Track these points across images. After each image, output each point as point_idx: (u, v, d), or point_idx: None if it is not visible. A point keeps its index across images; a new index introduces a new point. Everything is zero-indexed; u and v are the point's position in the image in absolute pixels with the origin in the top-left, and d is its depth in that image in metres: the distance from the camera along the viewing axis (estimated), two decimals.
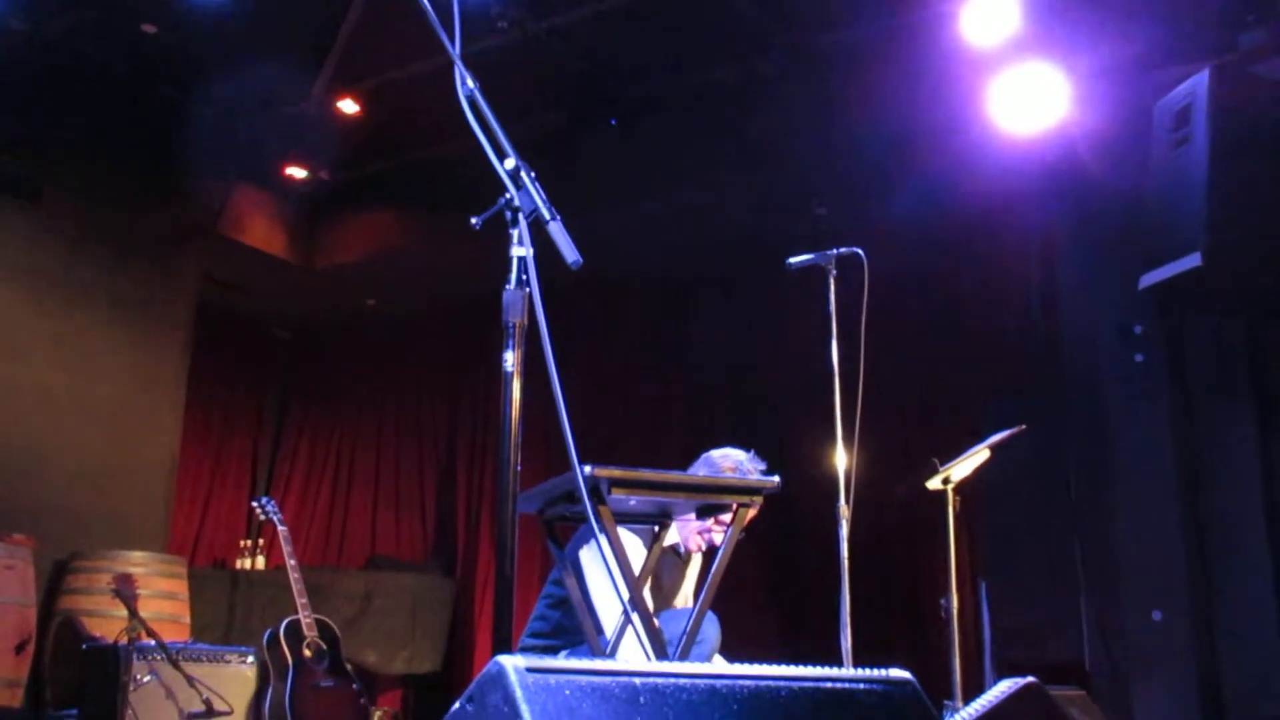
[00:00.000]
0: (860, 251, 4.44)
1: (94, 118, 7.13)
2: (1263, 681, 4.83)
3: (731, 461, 3.93)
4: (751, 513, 3.07)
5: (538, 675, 1.46)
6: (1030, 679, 2.71)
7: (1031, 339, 6.44)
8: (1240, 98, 4.57)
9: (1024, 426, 4.70)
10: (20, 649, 5.67)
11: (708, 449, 4.04)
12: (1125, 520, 5.25)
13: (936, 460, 4.59)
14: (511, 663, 1.46)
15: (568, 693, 1.47)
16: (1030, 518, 5.71)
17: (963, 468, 4.56)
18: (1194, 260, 4.45)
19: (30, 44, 6.54)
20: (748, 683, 1.66)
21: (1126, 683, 5.10)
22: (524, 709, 1.42)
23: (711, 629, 3.70)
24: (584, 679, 1.50)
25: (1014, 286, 6.69)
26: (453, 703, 1.58)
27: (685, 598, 4.08)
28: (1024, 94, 5.60)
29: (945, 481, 4.55)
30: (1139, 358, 5.27)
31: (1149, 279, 4.74)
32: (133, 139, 7.21)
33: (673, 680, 1.58)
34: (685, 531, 3.90)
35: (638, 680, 1.54)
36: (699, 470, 3.95)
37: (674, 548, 3.96)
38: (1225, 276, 4.57)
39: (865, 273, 4.41)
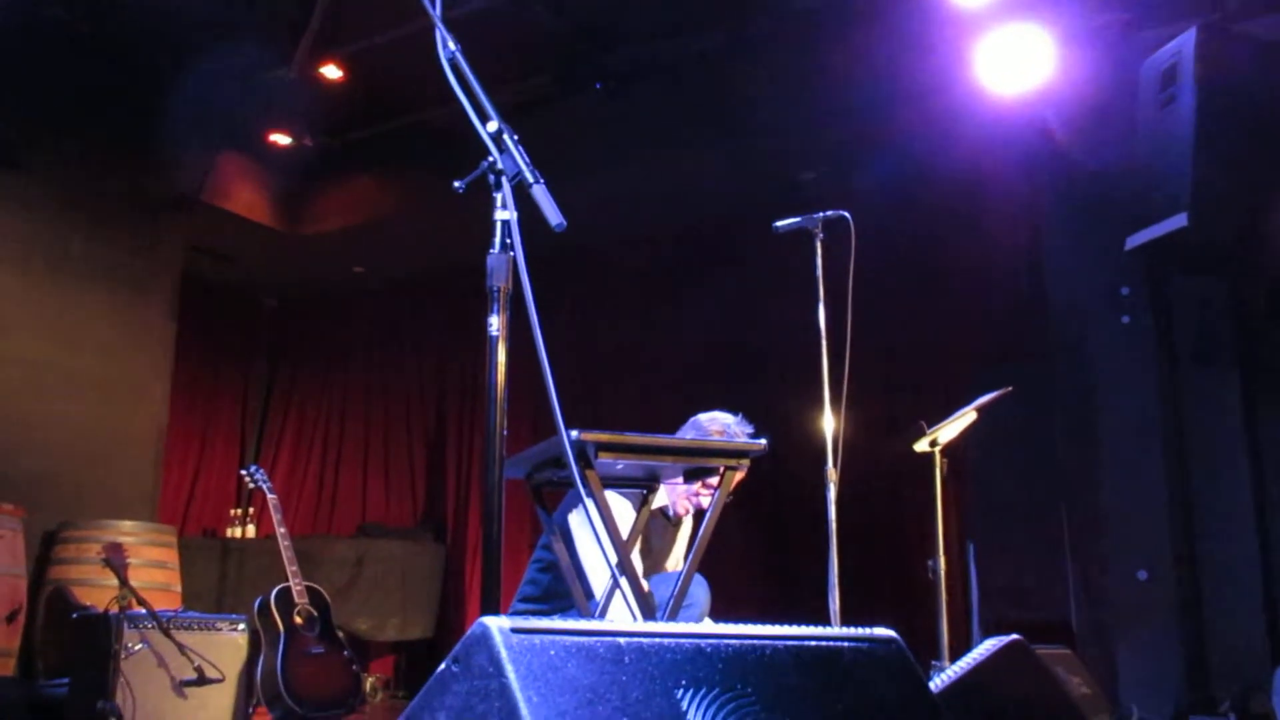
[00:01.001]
0: (847, 215, 4.43)
1: (75, 86, 7.06)
2: (1246, 639, 4.88)
3: (719, 425, 3.94)
4: (739, 475, 3.07)
5: (522, 636, 1.47)
6: (1015, 636, 2.73)
7: (1018, 301, 6.45)
8: (1227, 57, 4.56)
9: (1010, 388, 4.71)
10: (11, 619, 5.68)
11: (696, 413, 4.05)
12: (1111, 481, 5.29)
13: (924, 423, 4.60)
14: (496, 623, 1.47)
15: (553, 653, 1.48)
16: (1017, 479, 5.74)
17: (950, 430, 4.57)
18: (1180, 221, 4.45)
19: (8, 11, 6.46)
20: (732, 642, 1.67)
21: (1112, 641, 5.15)
22: (509, 669, 1.42)
23: (701, 591, 3.71)
24: (569, 639, 1.51)
25: (1001, 248, 6.69)
26: None
27: (676, 561, 4.09)
28: (1010, 55, 5.57)
29: (933, 444, 4.56)
30: (1125, 319, 5.29)
31: (1135, 240, 4.75)
32: (115, 107, 7.14)
33: (657, 640, 1.59)
34: (673, 495, 3.91)
35: (622, 640, 1.55)
36: (687, 434, 3.96)
37: (663, 511, 3.98)
38: (1211, 237, 4.57)
39: (852, 236, 4.40)
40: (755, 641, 1.70)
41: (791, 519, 7.28)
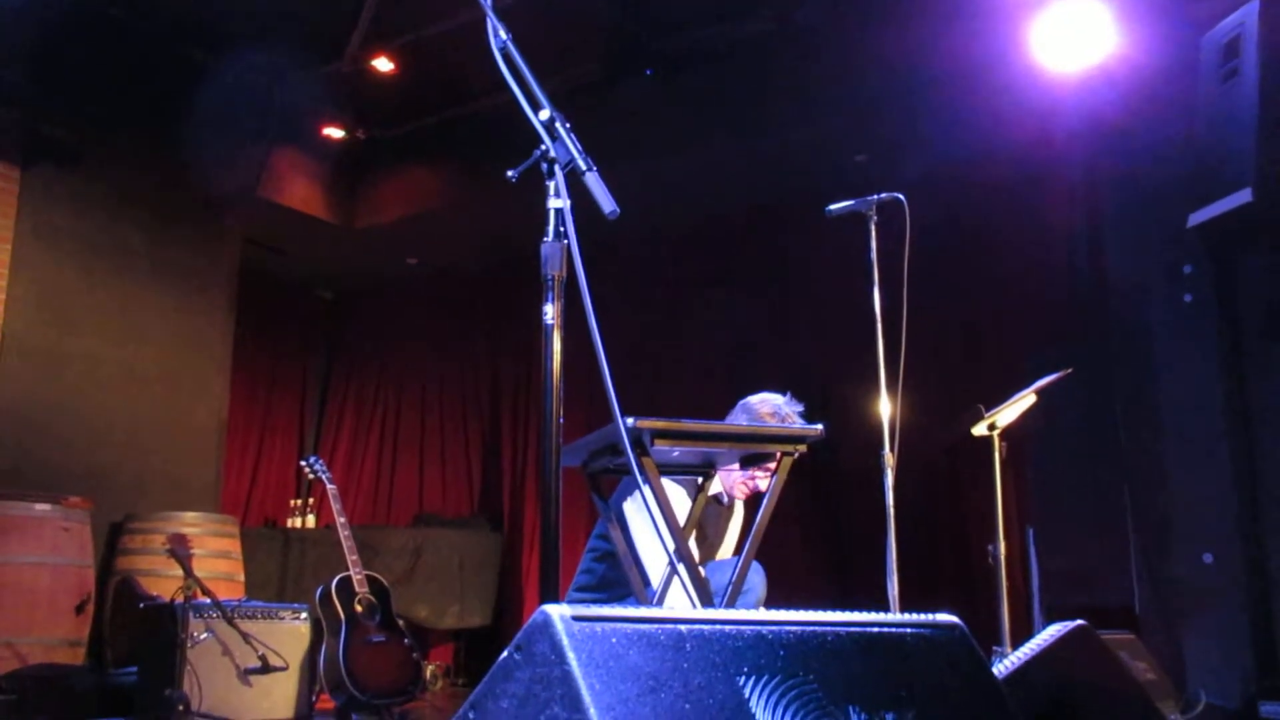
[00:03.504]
0: (901, 197, 4.37)
1: (131, 83, 7.16)
2: None
3: (770, 407, 3.91)
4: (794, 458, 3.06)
5: (584, 623, 1.47)
6: (1079, 622, 2.70)
7: (1076, 281, 6.34)
8: None
9: (1070, 370, 4.64)
10: (80, 609, 5.80)
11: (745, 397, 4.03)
12: (1174, 462, 5.19)
13: (982, 406, 4.55)
14: (557, 611, 1.47)
15: (614, 640, 1.48)
16: (1077, 462, 5.66)
17: (1009, 413, 4.52)
18: (1245, 196, 4.35)
19: (66, 10, 6.56)
20: (794, 628, 1.66)
21: (1177, 626, 5.06)
22: (571, 657, 1.43)
23: (757, 578, 3.70)
24: (630, 626, 1.50)
25: (1058, 228, 6.58)
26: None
27: (729, 548, 4.08)
28: (1065, 31, 5.48)
29: (991, 427, 4.51)
30: (1188, 298, 5.17)
31: (1198, 217, 4.65)
32: (170, 104, 7.23)
33: (719, 627, 1.59)
34: (728, 481, 3.90)
35: (684, 627, 1.55)
36: (738, 418, 3.94)
37: (717, 497, 3.96)
38: (1277, 212, 4.47)
39: (907, 218, 4.34)
40: (817, 628, 1.68)
41: (849, 504, 7.23)
